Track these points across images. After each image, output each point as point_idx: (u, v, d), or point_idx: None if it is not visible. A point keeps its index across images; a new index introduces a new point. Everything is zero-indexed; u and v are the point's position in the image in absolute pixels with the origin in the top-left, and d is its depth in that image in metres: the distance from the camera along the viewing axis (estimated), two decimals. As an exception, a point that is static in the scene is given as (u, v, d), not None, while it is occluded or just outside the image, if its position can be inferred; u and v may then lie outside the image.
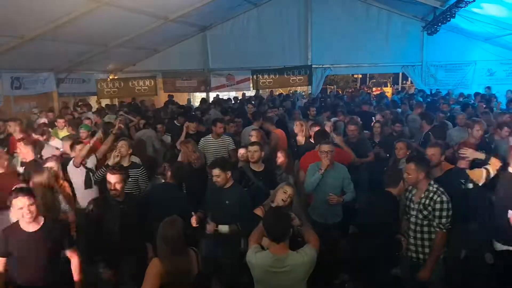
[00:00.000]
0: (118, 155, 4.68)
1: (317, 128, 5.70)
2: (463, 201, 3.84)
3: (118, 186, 3.74)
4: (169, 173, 4.47)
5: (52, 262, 3.23)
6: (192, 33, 13.61)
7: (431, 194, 3.48)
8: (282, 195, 3.56)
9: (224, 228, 3.91)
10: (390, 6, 12.81)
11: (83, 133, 6.18)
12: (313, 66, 13.43)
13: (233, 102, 12.82)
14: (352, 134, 6.06)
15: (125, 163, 4.79)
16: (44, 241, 3.17)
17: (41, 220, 3.24)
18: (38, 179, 4.08)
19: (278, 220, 2.84)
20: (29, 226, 3.16)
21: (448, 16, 9.15)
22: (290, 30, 13.44)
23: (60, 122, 7.48)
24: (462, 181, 4.16)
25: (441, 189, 3.50)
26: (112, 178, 3.73)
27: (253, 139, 5.38)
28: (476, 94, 11.41)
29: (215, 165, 4.08)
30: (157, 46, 13.60)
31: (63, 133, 7.17)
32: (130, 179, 4.65)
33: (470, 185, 4.11)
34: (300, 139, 6.32)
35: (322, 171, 4.33)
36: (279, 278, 2.77)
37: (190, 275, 2.93)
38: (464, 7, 8.18)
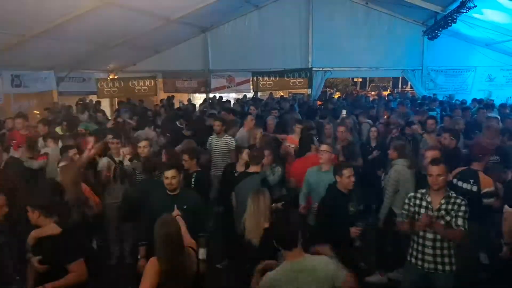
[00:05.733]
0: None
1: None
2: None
3: None
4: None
5: None
6: (193, 34, 13.62)
7: (452, 200, 3.31)
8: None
9: (203, 251, 3.50)
10: (391, 10, 12.83)
11: (80, 130, 6.75)
12: (313, 69, 13.43)
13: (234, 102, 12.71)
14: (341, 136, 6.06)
15: None
16: None
17: None
18: None
19: (287, 225, 2.71)
20: None
21: (449, 21, 9.14)
22: (291, 32, 13.43)
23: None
24: (471, 181, 4.16)
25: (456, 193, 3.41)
26: None
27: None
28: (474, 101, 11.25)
29: (171, 166, 3.69)
30: (158, 46, 13.60)
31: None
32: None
33: (475, 188, 4.11)
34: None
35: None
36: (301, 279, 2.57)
37: (188, 274, 2.89)
38: (465, 12, 8.18)
